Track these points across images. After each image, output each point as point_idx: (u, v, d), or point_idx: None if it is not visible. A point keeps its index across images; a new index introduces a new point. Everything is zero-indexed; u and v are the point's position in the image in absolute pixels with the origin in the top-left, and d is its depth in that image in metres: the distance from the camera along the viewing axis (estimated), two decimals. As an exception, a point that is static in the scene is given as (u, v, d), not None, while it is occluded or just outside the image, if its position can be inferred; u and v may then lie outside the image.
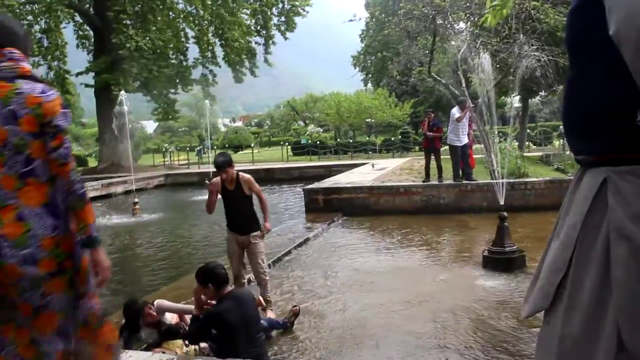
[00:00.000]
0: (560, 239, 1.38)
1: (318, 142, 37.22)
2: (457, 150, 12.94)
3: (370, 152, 33.26)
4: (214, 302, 4.54)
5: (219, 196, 6.09)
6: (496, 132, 13.23)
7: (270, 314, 5.90)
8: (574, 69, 1.38)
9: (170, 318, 5.27)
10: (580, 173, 1.41)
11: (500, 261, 7.38)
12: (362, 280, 7.44)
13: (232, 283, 5.69)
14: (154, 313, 4.98)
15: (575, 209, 1.35)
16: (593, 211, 1.28)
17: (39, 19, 28.73)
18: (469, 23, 19.04)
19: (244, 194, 5.96)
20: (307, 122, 68.04)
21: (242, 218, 6.04)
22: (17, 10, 27.15)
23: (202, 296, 4.61)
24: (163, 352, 4.20)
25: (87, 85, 29.48)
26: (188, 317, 5.14)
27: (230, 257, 6.15)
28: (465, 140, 13.00)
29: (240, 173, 6.02)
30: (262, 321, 5.24)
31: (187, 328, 4.93)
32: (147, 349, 4.41)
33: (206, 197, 6.27)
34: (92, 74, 28.58)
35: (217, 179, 6.02)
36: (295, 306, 5.88)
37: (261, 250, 6.11)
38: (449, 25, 18.35)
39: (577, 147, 1.42)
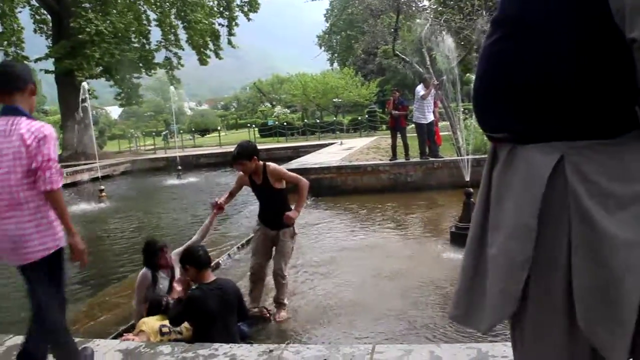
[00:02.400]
0: (509, 231, 1.27)
1: (285, 124, 37.07)
2: (423, 128, 13.02)
3: (338, 132, 33.21)
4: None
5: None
6: (461, 109, 13.33)
7: (283, 314, 5.37)
8: (516, 40, 1.26)
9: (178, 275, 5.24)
10: (507, 151, 1.30)
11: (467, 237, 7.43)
12: (331, 258, 7.47)
13: (250, 279, 5.55)
14: (168, 257, 5.09)
15: (523, 194, 1.24)
16: (552, 194, 1.20)
17: (-9, 3, 27.84)
18: (432, 0, 19.11)
19: (272, 188, 5.31)
20: (274, 103, 67.74)
21: (273, 213, 5.39)
22: (-31, -5, 26.31)
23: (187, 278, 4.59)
24: (132, 340, 4.15)
25: (47, 72, 28.78)
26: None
27: (253, 252, 5.58)
28: (430, 117, 13.09)
29: (267, 164, 5.33)
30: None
31: (170, 302, 4.88)
32: (120, 335, 4.38)
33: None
34: (52, 60, 27.89)
35: (241, 173, 5.41)
36: (269, 312, 5.42)
37: (288, 251, 5.47)
38: (412, 3, 18.39)
39: (504, 123, 1.31)
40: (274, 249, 5.54)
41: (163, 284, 5.03)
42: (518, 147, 1.27)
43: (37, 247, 3.00)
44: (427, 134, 13.10)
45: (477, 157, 11.29)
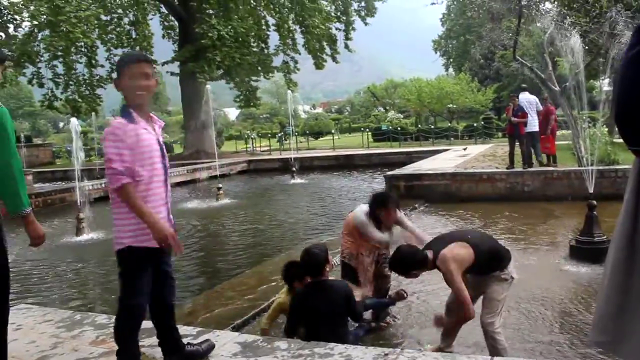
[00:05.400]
0: None
1: (399, 128, 36.90)
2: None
3: (452, 139, 32.66)
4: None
5: None
6: (585, 117, 12.75)
7: None
8: None
9: None
10: None
11: (589, 251, 7.10)
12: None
13: None
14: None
15: None
16: None
17: (127, 11, 29.95)
18: (556, 2, 18.38)
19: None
20: (387, 108, 67.58)
21: None
22: (109, 5, 28.35)
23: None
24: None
25: (172, 74, 30.42)
26: None
27: None
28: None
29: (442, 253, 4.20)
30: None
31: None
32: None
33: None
34: (177, 63, 29.44)
35: None
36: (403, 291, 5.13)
37: (497, 298, 4.30)
38: (534, 6, 17.77)
39: None
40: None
41: None
42: None
43: (116, 239, 3.21)
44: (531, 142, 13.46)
45: (601, 168, 10.76)
